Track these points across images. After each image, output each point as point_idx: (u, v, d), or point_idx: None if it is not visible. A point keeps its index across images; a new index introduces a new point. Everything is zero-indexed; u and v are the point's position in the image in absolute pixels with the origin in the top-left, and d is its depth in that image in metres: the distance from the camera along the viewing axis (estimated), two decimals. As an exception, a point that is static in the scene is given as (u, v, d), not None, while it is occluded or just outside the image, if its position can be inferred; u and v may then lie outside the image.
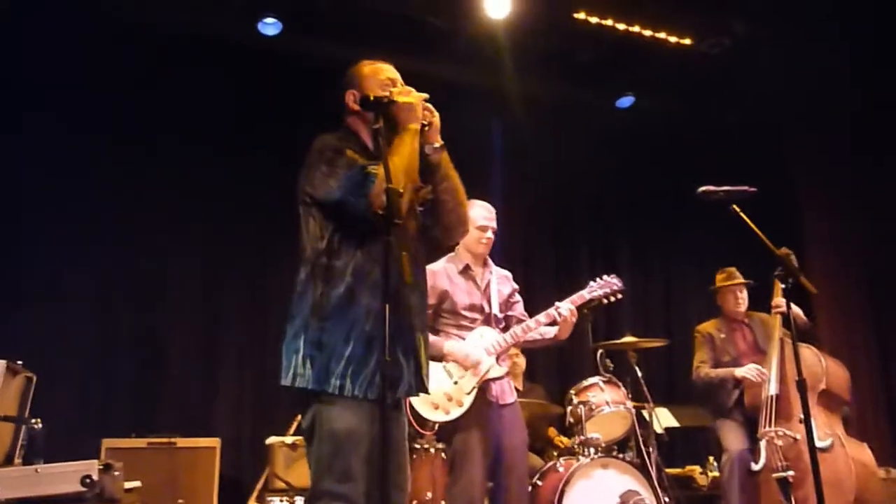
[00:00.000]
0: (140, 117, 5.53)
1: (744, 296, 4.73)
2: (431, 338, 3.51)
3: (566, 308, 3.63)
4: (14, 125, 5.10)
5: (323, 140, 2.42)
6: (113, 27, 5.32)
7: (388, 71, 2.53)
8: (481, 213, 3.70)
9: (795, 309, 4.22)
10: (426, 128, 2.41)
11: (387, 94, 2.36)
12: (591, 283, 3.84)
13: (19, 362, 3.58)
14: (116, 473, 3.04)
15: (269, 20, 5.47)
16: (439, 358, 3.53)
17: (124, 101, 5.47)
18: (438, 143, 2.47)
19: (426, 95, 2.41)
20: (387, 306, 2.09)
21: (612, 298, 3.83)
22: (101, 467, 2.97)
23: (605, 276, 3.86)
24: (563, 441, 5.19)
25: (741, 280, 4.72)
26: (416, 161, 2.34)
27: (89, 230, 5.41)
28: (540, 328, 3.68)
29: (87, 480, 2.92)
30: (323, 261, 2.32)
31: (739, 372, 4.40)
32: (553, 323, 3.67)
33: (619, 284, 3.83)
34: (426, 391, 2.45)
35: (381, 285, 2.25)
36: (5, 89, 5.05)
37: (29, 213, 5.19)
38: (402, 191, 2.22)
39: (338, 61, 5.73)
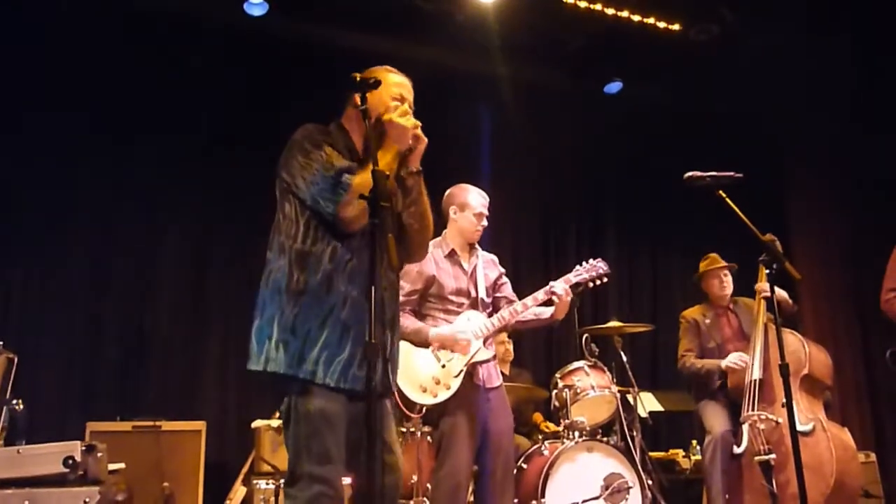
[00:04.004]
0: (124, 100, 5.47)
1: (728, 280, 4.75)
2: (417, 324, 3.54)
3: (561, 287, 3.63)
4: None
5: (305, 130, 2.41)
6: (93, 5, 5.25)
7: (403, 87, 2.52)
8: (479, 200, 3.71)
9: (781, 292, 4.25)
10: (409, 152, 2.43)
11: (386, 104, 2.40)
12: (578, 266, 3.83)
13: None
14: (100, 455, 3.01)
15: (255, 0, 5.40)
16: (425, 345, 3.53)
17: (107, 84, 5.40)
18: (416, 168, 2.47)
19: (419, 124, 2.41)
20: (373, 288, 2.09)
21: (598, 282, 3.82)
22: (83, 448, 2.95)
23: (591, 260, 3.86)
24: (549, 426, 5.22)
25: (724, 263, 4.74)
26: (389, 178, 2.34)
27: (75, 213, 5.39)
28: (535, 309, 3.69)
29: (70, 461, 2.90)
30: (299, 246, 2.31)
31: (725, 363, 4.41)
32: (548, 303, 3.67)
33: (605, 268, 3.83)
34: (391, 390, 2.45)
35: (358, 273, 2.28)
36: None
37: (15, 195, 5.15)
38: (388, 173, 2.22)
39: (326, 43, 5.69)
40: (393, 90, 2.49)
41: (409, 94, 2.54)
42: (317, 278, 2.28)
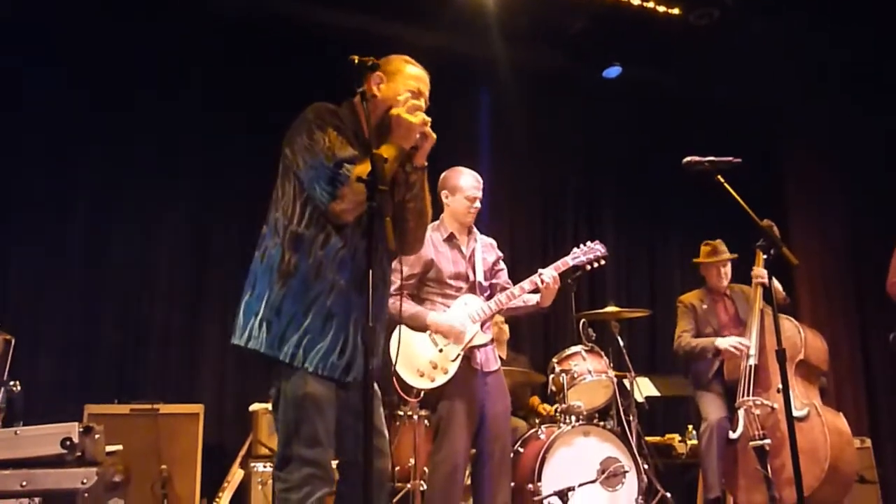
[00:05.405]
0: (125, 85, 5.44)
1: (727, 270, 4.76)
2: (415, 308, 3.54)
3: (549, 275, 3.63)
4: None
5: (315, 108, 2.37)
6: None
7: (420, 81, 2.48)
8: (471, 183, 3.68)
9: (775, 283, 4.26)
10: (415, 149, 2.39)
11: (399, 99, 2.34)
12: (575, 249, 3.84)
13: (-3, 324, 3.55)
14: (97, 436, 3.02)
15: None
16: (423, 329, 3.53)
17: (109, 67, 5.37)
18: (421, 164, 2.44)
19: (429, 120, 2.36)
20: (370, 272, 2.08)
21: (596, 265, 3.83)
22: (81, 430, 2.95)
23: (588, 243, 3.86)
24: (546, 409, 5.24)
25: (726, 256, 4.73)
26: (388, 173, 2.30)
27: (74, 195, 5.37)
28: (523, 295, 3.69)
29: (68, 443, 2.91)
30: (294, 227, 2.30)
31: (721, 343, 4.42)
32: (536, 290, 3.67)
33: (603, 250, 3.84)
34: (376, 376, 2.43)
35: (348, 261, 2.28)
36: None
37: (12, 177, 5.12)
38: (386, 157, 2.21)
39: (324, 28, 5.61)
40: (410, 83, 2.45)
41: (426, 88, 2.50)
42: (308, 263, 2.27)
